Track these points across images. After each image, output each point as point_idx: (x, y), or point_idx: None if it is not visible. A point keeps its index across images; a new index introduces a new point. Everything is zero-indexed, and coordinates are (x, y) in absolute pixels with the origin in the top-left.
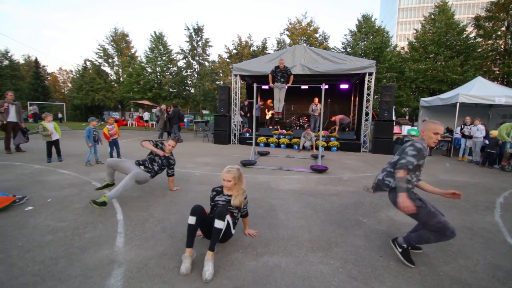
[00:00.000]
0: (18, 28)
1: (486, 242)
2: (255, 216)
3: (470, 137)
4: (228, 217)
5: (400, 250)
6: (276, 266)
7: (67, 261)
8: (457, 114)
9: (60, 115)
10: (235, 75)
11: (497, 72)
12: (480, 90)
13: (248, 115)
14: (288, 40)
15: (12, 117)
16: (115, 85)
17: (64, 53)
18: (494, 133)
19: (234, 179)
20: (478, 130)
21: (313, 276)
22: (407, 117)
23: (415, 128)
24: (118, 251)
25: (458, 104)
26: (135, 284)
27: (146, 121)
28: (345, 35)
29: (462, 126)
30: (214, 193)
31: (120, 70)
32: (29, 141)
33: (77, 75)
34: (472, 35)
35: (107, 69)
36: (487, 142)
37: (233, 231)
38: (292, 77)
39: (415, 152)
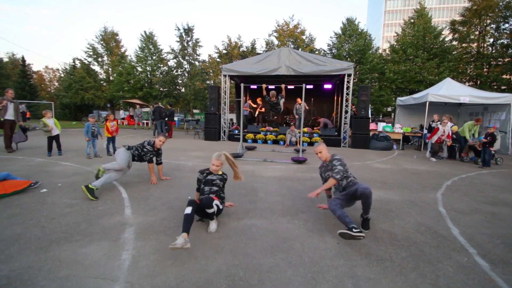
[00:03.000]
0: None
1: (421, 210)
2: (239, 194)
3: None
4: (215, 201)
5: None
6: (253, 225)
7: (87, 224)
8: (426, 112)
9: None
10: (224, 76)
11: (470, 73)
12: (448, 90)
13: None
14: (276, 42)
15: (10, 115)
16: (105, 84)
17: (50, 51)
18: (455, 129)
19: (221, 164)
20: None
21: (280, 230)
22: (392, 116)
23: (389, 124)
24: (127, 217)
25: (428, 103)
26: (144, 236)
27: (123, 119)
28: (330, 37)
29: (431, 122)
30: (205, 174)
31: (110, 69)
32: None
33: (65, 74)
34: (448, 39)
35: (96, 68)
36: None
37: (221, 206)
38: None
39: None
